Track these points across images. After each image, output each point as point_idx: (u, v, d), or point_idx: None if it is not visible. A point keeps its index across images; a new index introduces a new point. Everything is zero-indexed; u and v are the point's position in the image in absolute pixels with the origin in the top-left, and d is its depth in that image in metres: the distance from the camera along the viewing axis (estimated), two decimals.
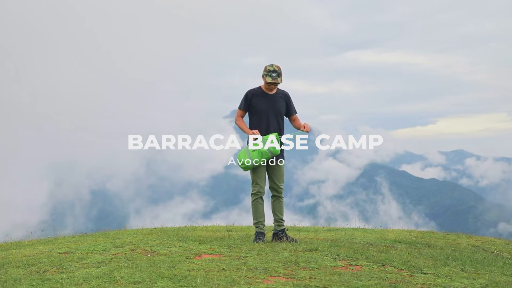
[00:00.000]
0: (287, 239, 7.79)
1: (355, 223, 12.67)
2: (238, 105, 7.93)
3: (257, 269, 5.52)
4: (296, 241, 7.69)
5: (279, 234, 7.90)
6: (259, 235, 7.76)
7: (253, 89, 7.93)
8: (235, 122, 7.93)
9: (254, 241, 7.62)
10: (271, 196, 7.99)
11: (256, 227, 7.84)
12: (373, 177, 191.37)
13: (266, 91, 7.87)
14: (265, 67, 7.72)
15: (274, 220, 7.99)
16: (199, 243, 7.28)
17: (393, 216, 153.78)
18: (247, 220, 10.76)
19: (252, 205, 7.84)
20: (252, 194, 7.84)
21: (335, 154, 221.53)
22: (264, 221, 7.86)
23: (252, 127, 7.86)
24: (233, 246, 7.07)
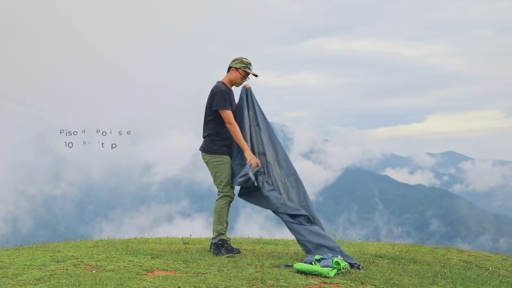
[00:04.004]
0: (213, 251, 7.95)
1: (330, 234, 12.75)
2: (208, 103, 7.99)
3: (217, 287, 5.55)
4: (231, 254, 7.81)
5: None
6: (229, 245, 7.93)
7: (223, 85, 8.01)
8: (233, 126, 7.82)
9: (227, 254, 7.73)
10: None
11: (222, 234, 7.94)
12: (352, 182, 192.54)
13: (230, 87, 8.09)
14: (241, 59, 7.97)
15: (225, 228, 8.10)
16: (151, 258, 7.28)
17: (374, 227, 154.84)
18: (207, 232, 10.78)
19: (221, 209, 7.91)
20: (224, 196, 7.93)
21: (308, 154, 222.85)
22: None
23: (225, 133, 7.93)
24: (191, 261, 7.08)
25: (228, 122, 7.78)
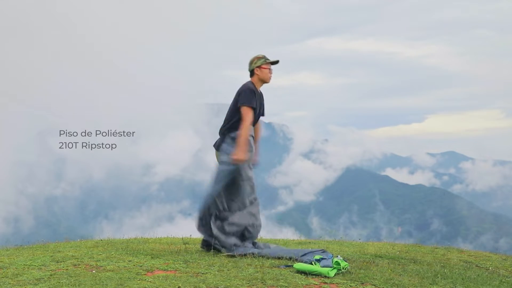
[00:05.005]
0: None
1: (331, 234, 12.72)
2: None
3: (217, 287, 5.54)
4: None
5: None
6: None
7: (252, 84, 7.81)
8: (245, 124, 7.52)
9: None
10: None
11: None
12: (352, 182, 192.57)
13: (260, 86, 7.91)
14: (256, 57, 7.81)
15: None
16: (151, 258, 7.26)
17: (375, 227, 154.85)
18: None
19: None
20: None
21: (308, 154, 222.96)
22: None
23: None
24: (191, 261, 7.05)
25: (244, 118, 7.52)
